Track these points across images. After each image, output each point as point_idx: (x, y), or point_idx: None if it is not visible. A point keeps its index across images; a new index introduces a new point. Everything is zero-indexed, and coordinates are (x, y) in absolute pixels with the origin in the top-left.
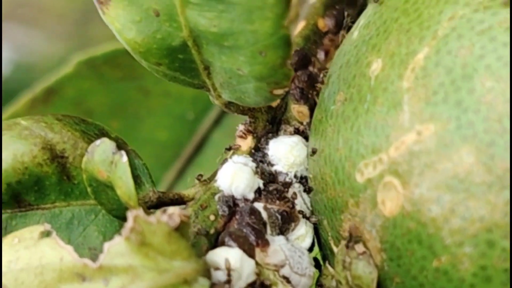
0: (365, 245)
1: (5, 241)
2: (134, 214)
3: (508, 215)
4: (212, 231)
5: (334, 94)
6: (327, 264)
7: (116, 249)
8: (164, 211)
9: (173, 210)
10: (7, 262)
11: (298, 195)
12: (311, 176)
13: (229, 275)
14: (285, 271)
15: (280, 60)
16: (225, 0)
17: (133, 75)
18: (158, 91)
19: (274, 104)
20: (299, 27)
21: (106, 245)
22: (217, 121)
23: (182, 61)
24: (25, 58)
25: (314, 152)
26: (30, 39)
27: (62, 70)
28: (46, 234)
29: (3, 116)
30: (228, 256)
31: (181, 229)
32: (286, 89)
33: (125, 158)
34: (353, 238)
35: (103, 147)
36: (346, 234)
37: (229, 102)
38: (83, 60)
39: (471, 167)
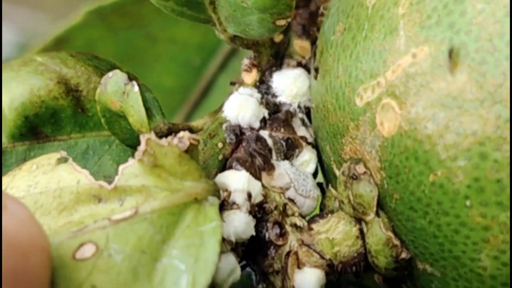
0: (365, 165)
1: (23, 167)
2: (147, 138)
3: (500, 128)
4: (220, 157)
5: (333, 25)
6: (330, 187)
7: (130, 171)
8: (175, 135)
9: (183, 134)
10: (27, 187)
11: (301, 123)
12: (313, 105)
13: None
14: (290, 193)
15: None
16: None
17: (140, 23)
18: (164, 38)
19: (277, 39)
20: None
21: (121, 167)
22: (222, 66)
23: None
24: (30, 41)
25: (315, 77)
26: (35, 22)
27: (71, 19)
28: (63, 160)
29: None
30: (235, 178)
31: (191, 151)
32: (288, 20)
33: (136, 88)
34: (353, 160)
35: (115, 78)
36: (348, 156)
37: (234, 36)
38: (92, 9)
39: (464, 85)
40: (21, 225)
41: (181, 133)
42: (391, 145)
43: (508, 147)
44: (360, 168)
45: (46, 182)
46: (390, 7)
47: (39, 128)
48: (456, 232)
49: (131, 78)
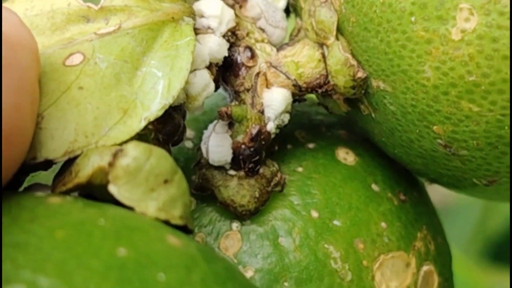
0: None
1: None
2: None
3: None
4: None
5: None
6: (297, 19)
7: None
8: None
9: None
10: (24, 10)
11: None
12: None
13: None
14: (261, 23)
15: None
16: None
17: None
18: None
19: None
20: None
21: None
22: None
23: None
24: None
25: None
26: None
27: None
28: None
29: None
30: (210, 5)
31: None
32: None
33: None
34: None
35: None
36: None
37: None
38: None
39: None
40: (11, 27)
41: None
42: None
43: None
44: None
45: (41, 6)
46: None
47: None
48: (403, 47)
49: None
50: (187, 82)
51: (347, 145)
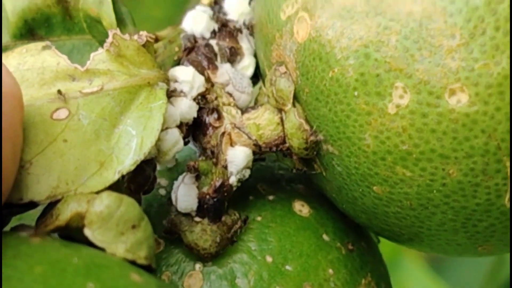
0: (286, 67)
1: (16, 50)
2: (113, 32)
3: (379, 34)
4: (175, 58)
5: None
6: (262, 86)
7: (99, 58)
8: (137, 33)
9: (142, 32)
10: (17, 64)
11: (245, 36)
12: (254, 22)
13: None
14: (229, 88)
15: None
16: None
17: None
18: None
19: None
20: None
21: (92, 55)
22: None
23: None
24: None
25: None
26: None
27: None
28: (47, 47)
29: None
30: (183, 72)
31: (147, 46)
32: None
33: None
34: (277, 63)
35: None
36: (274, 60)
37: None
38: None
39: (355, 0)
40: None
41: (141, 32)
42: (303, 49)
43: (386, 48)
44: (282, 69)
45: (33, 62)
46: None
47: (35, 30)
48: (348, 117)
49: None
50: (159, 139)
51: (303, 198)
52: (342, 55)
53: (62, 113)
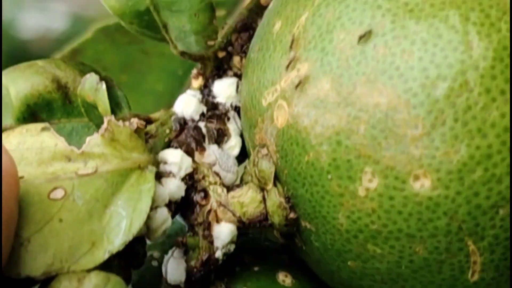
0: (267, 149)
1: (17, 129)
2: (108, 118)
3: (349, 123)
4: (166, 140)
5: (254, 46)
6: (247, 165)
7: (94, 142)
8: (129, 120)
9: (133, 119)
10: (17, 143)
11: (232, 118)
12: (241, 105)
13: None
14: (216, 168)
15: (208, 20)
16: None
17: (137, 40)
18: (156, 52)
19: (220, 55)
20: (246, 2)
21: (88, 139)
22: None
23: (147, 21)
24: (81, 12)
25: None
26: None
27: (84, 35)
28: (46, 129)
29: None
30: (172, 154)
31: (138, 131)
32: (216, 41)
33: (104, 86)
34: (259, 145)
35: (90, 79)
36: (257, 143)
37: (183, 52)
38: (100, 28)
39: (328, 92)
40: None
41: (132, 119)
42: (282, 134)
43: (356, 136)
44: (264, 151)
45: (32, 142)
46: (287, 35)
47: (37, 114)
48: (323, 198)
49: (102, 79)
50: (148, 217)
51: (287, 269)
52: (317, 141)
53: (59, 193)
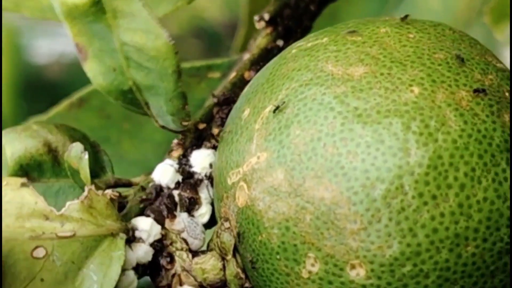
0: (229, 223)
1: None
2: (89, 188)
3: (297, 212)
4: (141, 205)
5: (226, 126)
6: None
7: (73, 207)
8: (103, 191)
9: (108, 191)
10: None
11: (205, 188)
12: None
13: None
14: (184, 235)
15: (181, 105)
16: (147, 67)
17: None
18: None
19: (201, 127)
20: (231, 76)
21: (68, 203)
22: None
23: (131, 99)
24: None
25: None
26: None
27: (90, 85)
28: (25, 185)
29: (50, 115)
30: (143, 222)
31: (113, 201)
32: (190, 122)
33: (86, 156)
34: (223, 218)
35: (75, 148)
36: (223, 215)
37: (163, 126)
38: None
39: (281, 182)
40: None
41: (106, 191)
42: (241, 212)
43: (302, 224)
44: (226, 225)
45: (13, 196)
46: (252, 123)
47: (29, 173)
48: (272, 274)
49: (90, 144)
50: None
51: None
52: (269, 225)
53: (41, 252)
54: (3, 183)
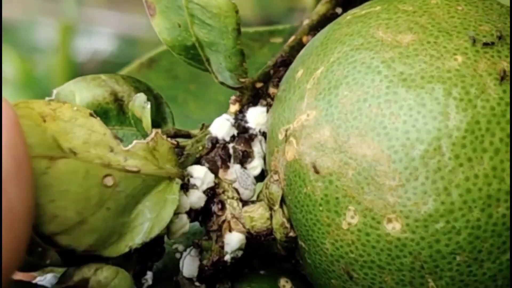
0: (278, 176)
1: (66, 105)
2: (156, 131)
3: (341, 167)
4: (198, 155)
5: (281, 85)
6: (263, 186)
7: (140, 146)
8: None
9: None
10: (69, 118)
11: (258, 142)
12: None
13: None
14: (236, 184)
15: (238, 62)
16: (209, 24)
17: None
18: None
19: (258, 86)
20: (290, 40)
21: (135, 141)
22: None
23: (193, 54)
24: (126, 33)
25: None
26: (130, 26)
27: (161, 46)
28: (93, 115)
29: (122, 72)
30: (198, 170)
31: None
32: (247, 79)
33: (148, 106)
34: (273, 171)
35: (140, 98)
36: (273, 168)
37: (222, 82)
38: None
39: (327, 138)
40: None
41: (169, 139)
42: (289, 166)
43: (344, 179)
44: (275, 177)
45: (84, 122)
46: (304, 83)
47: None
48: (314, 224)
49: (154, 96)
50: (170, 221)
51: (288, 276)
52: (314, 178)
53: (110, 181)
54: (73, 107)
